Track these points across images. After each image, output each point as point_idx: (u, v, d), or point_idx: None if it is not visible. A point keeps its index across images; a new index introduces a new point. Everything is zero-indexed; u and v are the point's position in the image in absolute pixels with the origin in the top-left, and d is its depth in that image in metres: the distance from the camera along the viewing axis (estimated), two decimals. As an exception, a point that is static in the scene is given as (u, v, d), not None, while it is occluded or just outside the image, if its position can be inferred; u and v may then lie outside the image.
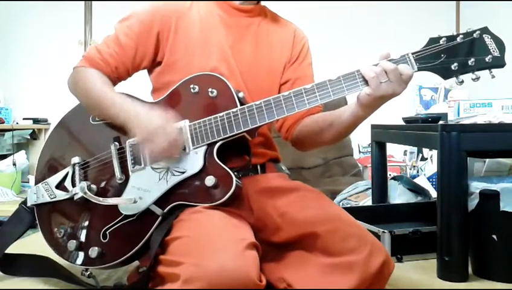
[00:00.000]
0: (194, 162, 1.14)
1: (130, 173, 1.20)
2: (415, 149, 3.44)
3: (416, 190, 2.45)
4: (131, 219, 1.18)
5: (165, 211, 1.15)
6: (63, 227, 1.29)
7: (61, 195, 1.29)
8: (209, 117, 1.15)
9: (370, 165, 2.67)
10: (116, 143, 1.23)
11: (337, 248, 1.07)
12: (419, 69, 1.09)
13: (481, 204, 1.64)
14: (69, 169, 1.30)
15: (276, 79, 1.36)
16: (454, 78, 1.10)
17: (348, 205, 2.57)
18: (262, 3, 1.38)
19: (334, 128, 1.25)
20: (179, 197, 1.14)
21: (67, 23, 3.67)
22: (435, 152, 2.92)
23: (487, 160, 2.13)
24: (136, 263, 1.26)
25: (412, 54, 1.09)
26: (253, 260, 0.97)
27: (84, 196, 1.21)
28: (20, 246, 1.50)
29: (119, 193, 1.20)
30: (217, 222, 1.06)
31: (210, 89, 1.17)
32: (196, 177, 1.13)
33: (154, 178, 1.16)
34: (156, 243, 1.10)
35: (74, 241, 1.25)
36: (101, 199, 1.20)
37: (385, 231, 1.83)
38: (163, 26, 1.27)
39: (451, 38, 1.09)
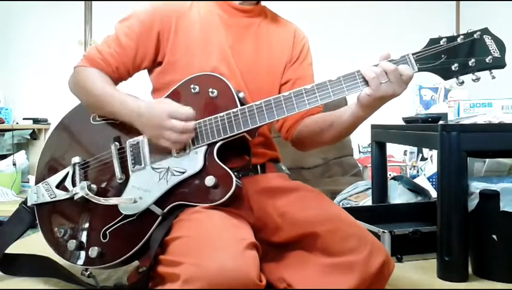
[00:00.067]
0: (194, 162, 1.14)
1: (130, 172, 1.20)
2: (415, 149, 3.44)
3: (416, 190, 2.45)
4: (131, 218, 1.18)
5: (165, 211, 1.15)
6: (63, 227, 1.29)
7: (61, 195, 1.29)
8: (210, 117, 1.15)
9: (370, 165, 2.67)
10: (117, 143, 1.23)
11: (337, 248, 1.07)
12: (420, 70, 1.10)
13: (481, 204, 1.64)
14: (69, 169, 1.30)
15: (276, 79, 1.36)
16: (454, 79, 1.10)
17: (348, 205, 2.57)
18: (262, 3, 1.38)
19: (334, 129, 1.25)
20: (179, 197, 1.14)
21: (67, 23, 3.67)
22: (435, 152, 2.92)
23: (487, 160, 2.13)
24: (136, 263, 1.26)
25: (412, 54, 1.09)
26: (253, 260, 0.97)
27: (85, 195, 1.22)
28: (20, 246, 1.50)
29: (119, 192, 1.20)
30: (217, 222, 1.06)
31: (210, 89, 1.17)
32: (196, 177, 1.13)
33: (154, 178, 1.16)
34: (155, 243, 1.10)
35: (74, 241, 1.25)
36: (101, 198, 1.20)
37: (385, 231, 1.83)
38: (163, 27, 1.27)
39: (451, 39, 1.09)
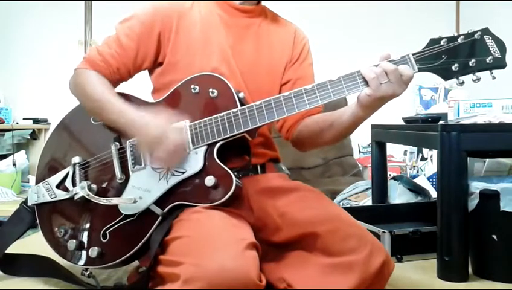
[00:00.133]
0: (194, 162, 1.14)
1: (130, 172, 1.20)
2: (415, 149, 3.44)
3: (416, 190, 2.45)
4: (131, 218, 1.18)
5: (165, 211, 1.15)
6: (63, 227, 1.29)
7: (61, 195, 1.30)
8: (210, 117, 1.15)
9: (370, 165, 2.67)
10: (117, 143, 1.23)
11: (337, 247, 1.07)
12: (420, 70, 1.09)
13: (481, 204, 1.64)
14: (69, 169, 1.30)
15: (276, 79, 1.36)
16: (454, 79, 1.10)
17: (348, 205, 2.57)
18: (263, 3, 1.38)
19: (334, 129, 1.25)
20: (179, 197, 1.14)
21: (67, 23, 3.67)
22: (435, 152, 2.92)
23: (487, 160, 2.13)
24: (136, 263, 1.26)
25: (413, 54, 1.09)
26: (253, 260, 0.97)
27: (85, 195, 1.22)
28: (20, 246, 1.50)
29: (119, 192, 1.20)
30: (217, 222, 1.06)
31: (210, 89, 1.17)
32: (196, 177, 1.13)
33: (155, 178, 1.16)
34: (155, 243, 1.10)
35: (74, 241, 1.25)
36: (101, 198, 1.20)
37: (385, 231, 1.83)
38: (164, 27, 1.26)
39: (452, 39, 1.09)
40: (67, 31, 3.67)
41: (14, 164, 3.15)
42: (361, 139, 3.60)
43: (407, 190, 2.43)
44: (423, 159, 3.36)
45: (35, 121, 3.57)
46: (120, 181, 1.21)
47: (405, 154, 3.53)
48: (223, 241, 0.99)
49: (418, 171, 3.29)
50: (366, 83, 1.08)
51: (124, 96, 1.27)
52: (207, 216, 1.08)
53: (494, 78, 1.09)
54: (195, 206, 1.12)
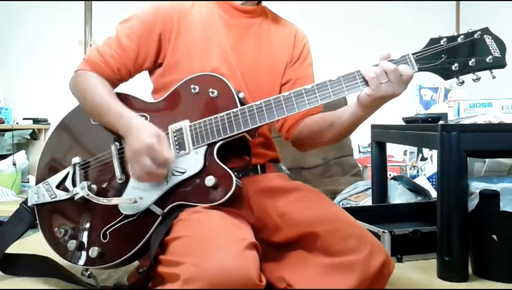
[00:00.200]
0: (194, 162, 1.14)
1: (131, 173, 1.20)
2: (415, 149, 3.44)
3: (416, 190, 2.45)
4: (131, 218, 1.18)
5: (165, 211, 1.15)
6: (63, 227, 1.29)
7: (61, 195, 1.29)
8: (210, 117, 1.15)
9: (370, 165, 2.67)
10: (117, 143, 1.23)
11: (337, 247, 1.07)
12: (420, 70, 1.10)
13: (481, 204, 1.64)
14: (69, 169, 1.30)
15: (276, 79, 1.36)
16: (454, 79, 1.10)
17: (348, 205, 2.57)
18: (263, 3, 1.38)
19: (334, 129, 1.25)
20: (179, 197, 1.14)
21: (67, 23, 3.67)
22: (435, 152, 2.92)
23: (487, 160, 2.13)
24: (136, 263, 1.26)
25: (413, 54, 1.09)
26: (253, 260, 0.97)
27: (85, 196, 1.22)
28: (20, 246, 1.50)
29: (119, 193, 1.20)
30: (217, 222, 1.06)
31: (210, 89, 1.17)
32: (196, 177, 1.13)
33: (155, 178, 1.16)
34: (156, 243, 1.10)
35: (74, 241, 1.25)
36: (101, 198, 1.20)
37: (385, 231, 1.83)
38: (164, 27, 1.26)
39: (451, 38, 1.09)
40: (67, 31, 3.67)
41: (14, 164, 3.15)
42: (361, 139, 3.60)
43: (407, 190, 2.43)
44: (423, 159, 3.36)
45: (35, 121, 3.57)
46: (120, 181, 1.21)
47: (405, 154, 3.53)
48: (223, 241, 0.99)
49: (418, 171, 3.29)
50: (366, 82, 1.08)
51: (124, 96, 1.27)
52: (207, 216, 1.08)
53: (494, 77, 1.09)
54: (196, 206, 1.12)
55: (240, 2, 1.32)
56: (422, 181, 2.81)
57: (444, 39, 1.09)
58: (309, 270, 1.07)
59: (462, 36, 1.09)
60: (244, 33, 1.33)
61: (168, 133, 1.16)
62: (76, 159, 1.29)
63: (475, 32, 1.09)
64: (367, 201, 2.55)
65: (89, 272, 1.27)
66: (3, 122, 3.45)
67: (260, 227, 1.17)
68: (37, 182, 1.36)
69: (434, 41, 1.10)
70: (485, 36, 1.08)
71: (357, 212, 1.74)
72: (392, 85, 1.07)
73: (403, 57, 1.09)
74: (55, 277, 1.45)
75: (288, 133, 1.38)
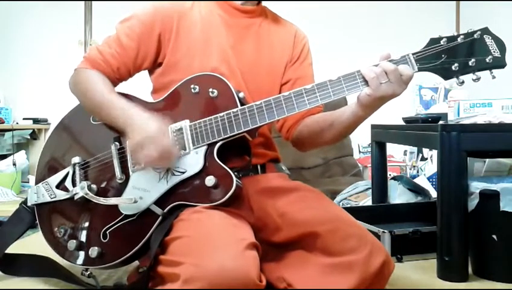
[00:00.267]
0: (194, 162, 1.14)
1: (131, 172, 1.20)
2: (415, 149, 3.44)
3: (416, 190, 2.45)
4: (131, 218, 1.18)
5: (165, 211, 1.15)
6: (63, 227, 1.29)
7: (61, 195, 1.29)
8: (210, 117, 1.15)
9: (370, 165, 2.67)
10: (117, 143, 1.23)
11: (337, 247, 1.07)
12: (420, 70, 1.10)
13: (481, 204, 1.64)
14: (69, 169, 1.30)
15: (276, 79, 1.36)
16: (454, 79, 1.10)
17: (348, 205, 2.57)
18: (263, 3, 1.38)
19: (334, 129, 1.25)
20: (179, 197, 1.14)
21: (67, 23, 3.67)
22: (435, 152, 2.92)
23: (487, 160, 2.13)
24: (136, 263, 1.26)
25: (413, 54, 1.09)
26: (253, 260, 0.97)
27: (85, 195, 1.22)
28: (20, 246, 1.50)
29: (119, 192, 1.20)
30: (217, 222, 1.06)
31: (210, 89, 1.17)
32: (196, 177, 1.13)
33: (155, 178, 1.16)
34: (156, 243, 1.10)
35: (74, 241, 1.25)
36: (101, 199, 1.20)
37: (385, 231, 1.83)
38: (164, 27, 1.26)
39: (451, 38, 1.09)
40: (67, 31, 3.67)
41: (14, 164, 3.15)
42: (361, 139, 3.60)
43: (407, 190, 2.43)
44: (423, 159, 3.36)
45: (35, 121, 3.57)
46: (120, 181, 1.21)
47: (405, 154, 3.53)
48: (223, 241, 0.99)
49: (418, 171, 3.29)
50: (366, 82, 1.08)
51: (123, 96, 1.27)
52: (207, 216, 1.08)
53: (493, 77, 1.09)
54: (196, 206, 1.12)
55: (240, 2, 1.32)
56: (422, 181, 2.81)
57: (444, 39, 1.09)
58: (309, 270, 1.07)
59: (462, 36, 1.09)
60: (244, 33, 1.33)
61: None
62: (76, 159, 1.29)
63: (475, 32, 1.09)
64: (367, 201, 2.55)
65: (88, 272, 1.28)
66: (3, 122, 3.45)
67: (260, 227, 1.17)
68: (37, 182, 1.37)
69: (434, 41, 1.10)
70: (484, 36, 1.08)
71: (357, 212, 1.74)
72: (392, 85, 1.07)
73: (403, 57, 1.09)
74: (55, 277, 1.46)
75: (289, 133, 1.38)
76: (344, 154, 3.38)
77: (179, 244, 1.05)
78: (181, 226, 1.09)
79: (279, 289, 1.09)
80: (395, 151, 3.47)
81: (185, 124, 1.16)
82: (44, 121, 3.62)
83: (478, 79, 1.09)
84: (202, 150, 1.14)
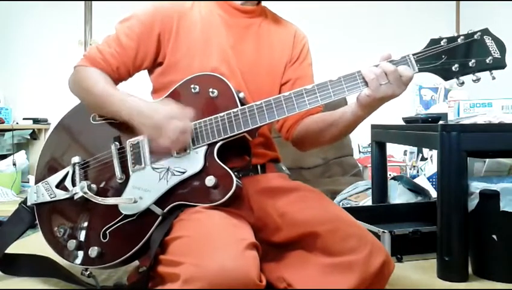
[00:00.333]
0: (194, 162, 1.14)
1: (131, 172, 1.20)
2: (415, 149, 3.44)
3: (416, 190, 2.46)
4: (131, 218, 1.18)
5: (165, 211, 1.15)
6: (63, 226, 1.29)
7: (61, 194, 1.29)
8: (210, 117, 1.15)
9: (370, 165, 2.67)
10: (117, 143, 1.23)
11: (337, 247, 1.07)
12: (420, 70, 1.09)
13: (481, 204, 1.64)
14: (69, 169, 1.29)
15: (276, 79, 1.36)
16: (455, 79, 1.10)
17: (348, 205, 2.57)
18: (263, 3, 1.38)
19: (334, 128, 1.25)
20: (179, 197, 1.14)
21: (67, 23, 3.67)
22: (435, 152, 2.92)
23: (487, 160, 2.13)
24: (136, 263, 1.26)
25: (413, 55, 1.09)
26: (253, 260, 0.97)
27: (85, 195, 1.21)
28: (20, 246, 1.50)
29: (119, 192, 1.20)
30: (217, 222, 1.06)
31: (211, 89, 1.17)
32: (196, 177, 1.13)
33: (155, 178, 1.16)
34: (156, 243, 1.10)
35: (74, 240, 1.25)
36: (101, 198, 1.20)
37: (385, 231, 1.83)
38: (164, 27, 1.26)
39: (452, 39, 1.09)
40: (67, 31, 3.67)
41: (14, 164, 3.15)
42: (361, 139, 3.60)
43: (407, 190, 2.43)
44: (423, 159, 3.36)
45: (35, 121, 3.58)
46: (120, 181, 1.21)
47: (405, 154, 3.54)
48: (223, 241, 0.99)
49: (418, 171, 3.30)
50: (367, 83, 1.08)
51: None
52: (207, 216, 1.08)
53: (493, 78, 1.09)
54: (196, 206, 1.12)
55: (240, 2, 1.32)
56: (422, 181, 2.81)
57: (444, 40, 1.09)
58: (309, 270, 1.07)
59: (462, 37, 1.09)
60: (244, 33, 1.33)
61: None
62: (75, 159, 1.28)
63: (475, 33, 1.09)
64: (367, 201, 2.55)
65: (88, 272, 1.27)
66: (3, 122, 3.46)
67: (260, 227, 1.17)
68: (37, 182, 1.36)
69: (434, 42, 1.10)
70: (485, 37, 1.08)
71: (357, 212, 1.74)
72: (391, 86, 1.07)
73: (403, 58, 1.09)
74: (55, 277, 1.45)
75: (288, 133, 1.38)
76: (344, 154, 3.38)
77: (179, 244, 1.05)
78: (181, 226, 1.09)
79: (279, 289, 1.09)
80: (395, 151, 3.47)
81: (185, 124, 1.16)
82: (44, 121, 3.62)
83: (478, 80, 1.09)
84: (202, 150, 1.14)
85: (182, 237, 1.05)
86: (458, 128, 1.67)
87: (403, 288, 1.56)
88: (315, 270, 1.07)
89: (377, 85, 1.07)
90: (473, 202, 1.66)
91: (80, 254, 1.25)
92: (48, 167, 1.36)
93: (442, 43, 1.09)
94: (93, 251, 1.20)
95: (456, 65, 1.08)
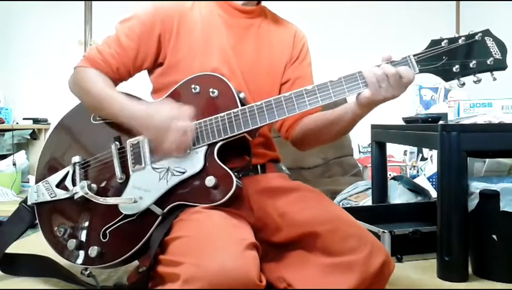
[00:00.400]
0: (194, 162, 1.14)
1: (131, 172, 1.20)
2: (415, 149, 3.44)
3: (416, 190, 2.46)
4: (131, 218, 1.18)
5: (165, 211, 1.15)
6: (63, 226, 1.29)
7: (61, 194, 1.29)
8: (210, 117, 1.15)
9: (370, 165, 2.67)
10: (117, 142, 1.23)
11: (337, 247, 1.07)
12: (421, 71, 1.09)
13: (481, 204, 1.64)
14: (69, 168, 1.30)
15: (276, 79, 1.36)
16: (455, 80, 1.10)
17: (348, 205, 2.57)
18: (263, 3, 1.38)
19: (333, 127, 1.25)
20: (179, 197, 1.14)
21: (67, 23, 3.67)
22: (435, 152, 2.92)
23: (487, 160, 2.13)
24: (136, 262, 1.26)
25: (414, 55, 1.09)
26: (253, 260, 0.97)
27: (85, 195, 1.22)
28: (20, 246, 1.50)
29: (119, 192, 1.20)
30: (217, 222, 1.06)
31: (211, 89, 1.17)
32: (196, 178, 1.13)
33: (155, 178, 1.16)
34: (155, 242, 1.10)
35: (74, 240, 1.25)
36: (101, 198, 1.20)
37: (385, 231, 1.83)
38: (164, 28, 1.26)
39: (453, 40, 1.09)
40: (67, 31, 3.67)
41: (14, 164, 3.15)
42: (361, 139, 3.60)
43: (407, 190, 2.43)
44: (423, 159, 3.36)
45: (35, 121, 3.57)
46: (120, 181, 1.21)
47: (405, 154, 3.54)
48: (223, 241, 0.99)
49: (418, 171, 3.29)
50: (367, 83, 1.08)
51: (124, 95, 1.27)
52: (207, 216, 1.08)
53: (494, 79, 1.09)
54: (196, 206, 1.12)
55: (240, 3, 1.32)
56: (422, 181, 2.81)
57: (445, 41, 1.09)
58: (309, 270, 1.07)
59: (463, 38, 1.09)
60: (244, 33, 1.33)
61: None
62: (76, 158, 1.29)
63: (476, 34, 1.09)
64: (367, 201, 2.55)
65: (88, 272, 1.27)
66: (3, 122, 3.45)
67: (260, 227, 1.17)
68: (37, 181, 1.36)
69: (435, 42, 1.09)
70: (486, 38, 1.08)
71: (357, 212, 1.74)
72: (391, 88, 1.07)
73: (403, 59, 1.09)
74: (55, 276, 1.46)
75: (288, 133, 1.38)
76: (344, 154, 3.38)
77: (179, 244, 1.05)
78: (181, 226, 1.09)
79: (279, 289, 1.09)
80: (395, 151, 3.47)
81: (185, 124, 1.16)
82: (44, 121, 3.62)
83: (479, 81, 1.09)
84: (202, 150, 1.14)
85: (182, 237, 1.05)
86: (458, 128, 1.67)
87: (403, 288, 1.56)
88: (315, 270, 1.07)
89: (378, 87, 1.07)
90: (473, 202, 1.66)
91: (80, 253, 1.25)
92: (48, 167, 1.36)
93: (443, 44, 1.09)
94: (93, 251, 1.20)
95: (457, 66, 1.08)
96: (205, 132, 1.14)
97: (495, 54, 1.08)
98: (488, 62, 1.08)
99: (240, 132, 1.13)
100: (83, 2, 3.67)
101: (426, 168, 3.22)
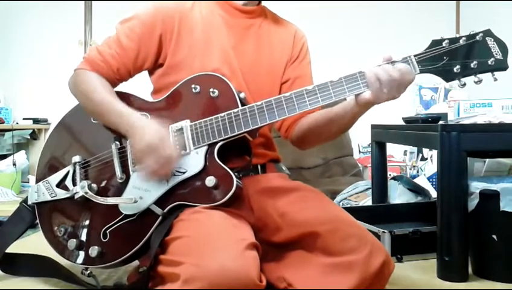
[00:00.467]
0: (194, 162, 1.14)
1: (131, 172, 1.20)
2: (415, 149, 3.44)
3: (416, 190, 2.46)
4: (131, 218, 1.18)
5: (165, 211, 1.15)
6: (63, 226, 1.29)
7: (61, 194, 1.29)
8: (210, 117, 1.15)
9: (370, 165, 2.67)
10: (117, 142, 1.23)
11: (337, 247, 1.07)
12: (422, 72, 1.09)
13: (481, 204, 1.64)
14: (69, 168, 1.30)
15: (277, 79, 1.36)
16: (456, 81, 1.10)
17: (348, 205, 2.57)
18: (263, 3, 1.38)
19: (333, 125, 1.25)
20: (179, 197, 1.14)
21: (67, 23, 3.67)
22: (435, 152, 2.92)
23: (487, 160, 2.13)
24: (136, 262, 1.26)
25: (414, 56, 1.09)
26: (254, 260, 0.97)
27: (85, 195, 1.22)
28: (20, 246, 1.50)
29: (119, 192, 1.20)
30: (217, 222, 1.06)
31: (211, 89, 1.17)
32: (197, 178, 1.13)
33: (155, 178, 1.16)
34: (156, 242, 1.10)
35: (74, 240, 1.25)
36: (101, 198, 1.20)
37: (385, 231, 1.83)
38: (165, 28, 1.26)
39: (453, 40, 1.09)
40: (67, 31, 3.67)
41: (14, 164, 3.15)
42: (361, 139, 3.59)
43: (407, 190, 2.43)
44: (423, 159, 3.36)
45: (35, 121, 3.57)
46: (120, 181, 1.21)
47: (405, 154, 3.54)
48: (223, 241, 0.99)
49: (418, 171, 3.30)
50: (367, 84, 1.08)
51: (124, 95, 1.27)
52: (207, 216, 1.08)
53: (495, 79, 1.09)
54: (196, 206, 1.12)
55: (241, 3, 1.32)
56: (422, 181, 2.81)
57: (446, 41, 1.09)
58: (309, 270, 1.07)
59: (464, 38, 1.09)
60: (245, 33, 1.33)
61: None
62: (76, 158, 1.29)
63: (477, 34, 1.08)
64: (367, 201, 2.55)
65: (88, 272, 1.27)
66: (3, 122, 3.45)
67: (260, 227, 1.17)
68: (37, 181, 1.37)
69: (436, 43, 1.09)
70: (487, 38, 1.08)
71: (357, 212, 1.74)
72: (392, 89, 1.07)
73: (404, 59, 1.09)
74: (55, 276, 1.46)
75: (288, 132, 1.38)
76: (344, 154, 3.38)
77: (179, 244, 1.05)
78: (181, 226, 1.09)
79: (279, 289, 1.09)
80: (395, 151, 3.47)
81: (186, 124, 1.16)
82: (44, 121, 3.62)
83: (480, 81, 1.09)
84: (203, 150, 1.14)
85: (182, 237, 1.05)
86: (458, 128, 1.68)
87: (403, 288, 1.56)
88: (315, 270, 1.07)
89: (378, 87, 1.07)
90: (473, 202, 1.66)
91: (80, 253, 1.25)
92: (49, 166, 1.36)
93: (443, 44, 1.09)
94: (94, 251, 1.20)
95: (458, 66, 1.08)
96: (205, 132, 1.14)
97: (496, 54, 1.08)
98: (489, 62, 1.08)
99: (240, 132, 1.13)
100: (83, 2, 3.67)
101: (426, 168, 3.22)
